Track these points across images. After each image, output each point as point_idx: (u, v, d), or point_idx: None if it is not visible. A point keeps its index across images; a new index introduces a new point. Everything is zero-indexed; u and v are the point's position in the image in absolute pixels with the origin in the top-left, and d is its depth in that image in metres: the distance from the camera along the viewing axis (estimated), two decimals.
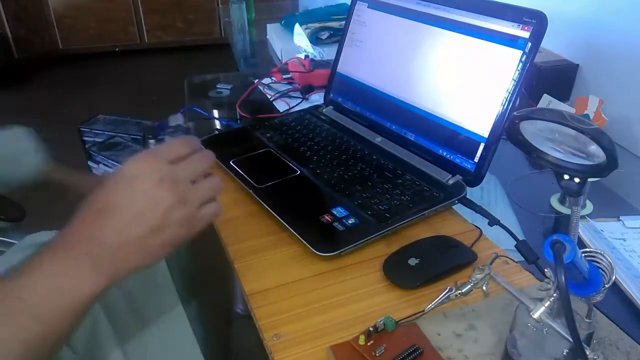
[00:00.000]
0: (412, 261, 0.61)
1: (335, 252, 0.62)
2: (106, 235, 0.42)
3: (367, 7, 0.90)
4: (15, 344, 0.39)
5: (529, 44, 0.66)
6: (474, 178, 0.72)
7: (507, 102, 0.68)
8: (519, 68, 0.67)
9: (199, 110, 1.08)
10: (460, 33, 0.74)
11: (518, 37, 0.67)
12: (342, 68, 0.96)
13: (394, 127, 0.85)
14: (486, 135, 0.71)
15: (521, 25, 0.67)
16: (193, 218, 0.46)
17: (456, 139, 0.74)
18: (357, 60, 0.93)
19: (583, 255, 0.42)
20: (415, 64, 0.81)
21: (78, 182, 0.85)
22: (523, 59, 0.66)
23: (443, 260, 0.62)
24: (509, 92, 0.68)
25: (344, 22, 0.98)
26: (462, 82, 0.74)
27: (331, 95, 0.98)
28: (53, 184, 0.85)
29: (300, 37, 1.51)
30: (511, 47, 0.68)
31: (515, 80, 0.67)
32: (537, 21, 0.65)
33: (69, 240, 0.43)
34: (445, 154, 0.76)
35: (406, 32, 0.82)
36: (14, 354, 0.39)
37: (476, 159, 0.72)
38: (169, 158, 0.46)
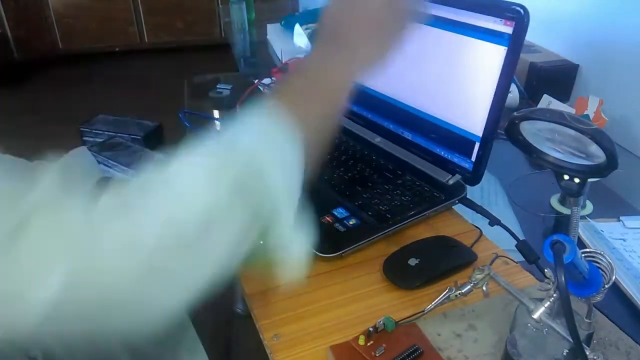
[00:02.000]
0: (412, 261, 0.61)
1: (336, 253, 0.62)
2: (353, 27, 0.51)
3: None
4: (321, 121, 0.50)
5: (513, 39, 0.65)
6: (473, 177, 0.72)
7: (496, 100, 0.67)
8: (504, 64, 0.66)
9: (193, 112, 1.08)
10: (445, 30, 0.73)
11: (501, 33, 0.66)
12: None
13: (390, 126, 0.85)
14: (480, 133, 0.70)
15: (504, 21, 0.66)
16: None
17: (452, 138, 0.74)
18: None
19: (583, 255, 0.42)
20: (403, 63, 0.79)
21: None
22: (507, 55, 0.66)
23: (443, 260, 0.62)
24: (497, 90, 0.67)
25: None
26: (450, 80, 0.74)
27: None
28: None
29: (300, 37, 1.51)
30: (495, 43, 0.67)
31: (501, 77, 0.66)
32: (518, 16, 0.64)
33: (331, 33, 0.52)
34: (442, 153, 0.76)
35: None
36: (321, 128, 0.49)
37: (473, 158, 0.72)
38: None
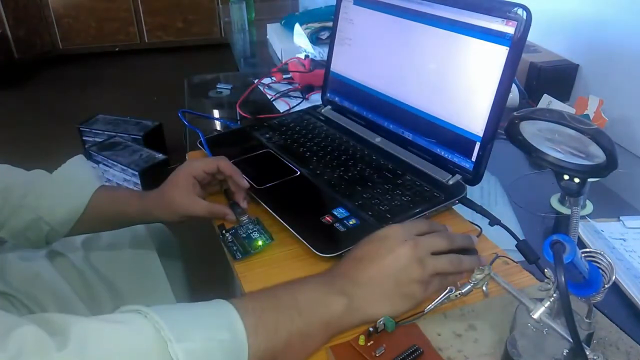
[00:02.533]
0: None
1: (336, 253, 0.62)
2: (358, 277, 0.53)
3: (353, 3, 0.89)
4: (284, 332, 0.47)
5: (514, 39, 0.65)
6: (473, 177, 0.72)
7: (497, 100, 0.67)
8: (505, 65, 0.66)
9: (193, 112, 1.08)
10: (446, 29, 0.73)
11: (503, 33, 0.66)
12: (335, 67, 0.95)
13: (391, 126, 0.85)
14: (481, 133, 0.70)
15: (505, 21, 0.66)
16: (426, 282, 0.53)
17: (452, 138, 0.74)
18: (348, 59, 0.92)
19: (583, 255, 0.42)
20: (404, 62, 0.80)
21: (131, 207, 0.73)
22: (509, 56, 0.66)
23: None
24: (498, 90, 0.67)
25: None
26: (451, 80, 0.74)
27: (327, 95, 0.98)
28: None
29: (300, 37, 1.51)
30: (497, 43, 0.67)
31: (503, 77, 0.66)
32: (520, 16, 0.64)
33: (333, 274, 0.54)
34: (443, 153, 0.76)
35: (393, 30, 0.82)
36: (282, 339, 0.47)
37: (473, 158, 0.72)
38: (415, 230, 0.56)
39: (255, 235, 0.66)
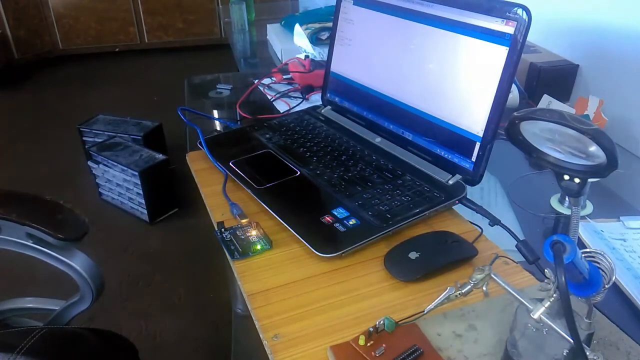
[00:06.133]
0: (413, 255, 0.61)
1: (336, 253, 0.62)
2: None
3: (353, 4, 0.89)
4: None
5: (514, 39, 0.65)
6: (473, 177, 0.73)
7: (497, 100, 0.68)
8: (505, 65, 0.66)
9: (193, 110, 1.08)
10: (446, 30, 0.73)
11: (503, 33, 0.66)
12: (335, 67, 0.96)
13: (391, 126, 0.85)
14: (480, 133, 0.70)
15: (505, 21, 0.66)
16: None
17: (452, 138, 0.74)
18: (348, 59, 0.92)
19: (583, 255, 0.42)
20: (404, 62, 0.80)
21: None
22: (509, 56, 0.66)
23: (443, 254, 0.62)
24: (498, 90, 0.67)
25: None
26: (451, 80, 0.74)
27: (327, 95, 0.98)
28: None
29: (300, 37, 1.51)
30: (497, 43, 0.67)
31: (502, 78, 0.67)
32: (520, 16, 0.64)
33: None
34: (443, 153, 0.76)
35: (393, 30, 0.82)
36: None
37: (473, 158, 0.72)
38: None
39: (254, 239, 0.66)
